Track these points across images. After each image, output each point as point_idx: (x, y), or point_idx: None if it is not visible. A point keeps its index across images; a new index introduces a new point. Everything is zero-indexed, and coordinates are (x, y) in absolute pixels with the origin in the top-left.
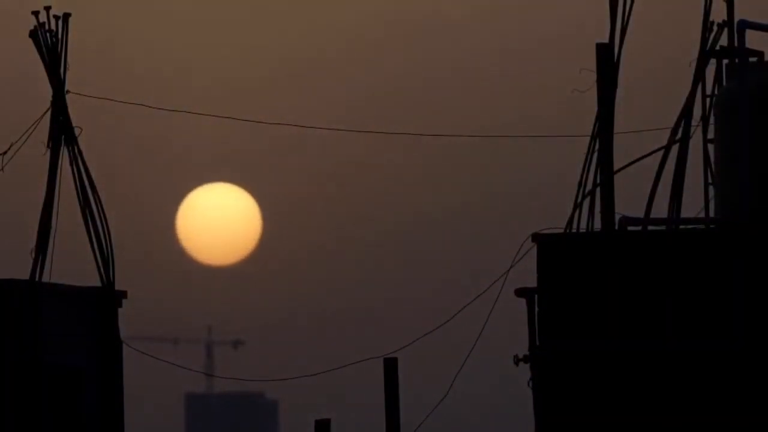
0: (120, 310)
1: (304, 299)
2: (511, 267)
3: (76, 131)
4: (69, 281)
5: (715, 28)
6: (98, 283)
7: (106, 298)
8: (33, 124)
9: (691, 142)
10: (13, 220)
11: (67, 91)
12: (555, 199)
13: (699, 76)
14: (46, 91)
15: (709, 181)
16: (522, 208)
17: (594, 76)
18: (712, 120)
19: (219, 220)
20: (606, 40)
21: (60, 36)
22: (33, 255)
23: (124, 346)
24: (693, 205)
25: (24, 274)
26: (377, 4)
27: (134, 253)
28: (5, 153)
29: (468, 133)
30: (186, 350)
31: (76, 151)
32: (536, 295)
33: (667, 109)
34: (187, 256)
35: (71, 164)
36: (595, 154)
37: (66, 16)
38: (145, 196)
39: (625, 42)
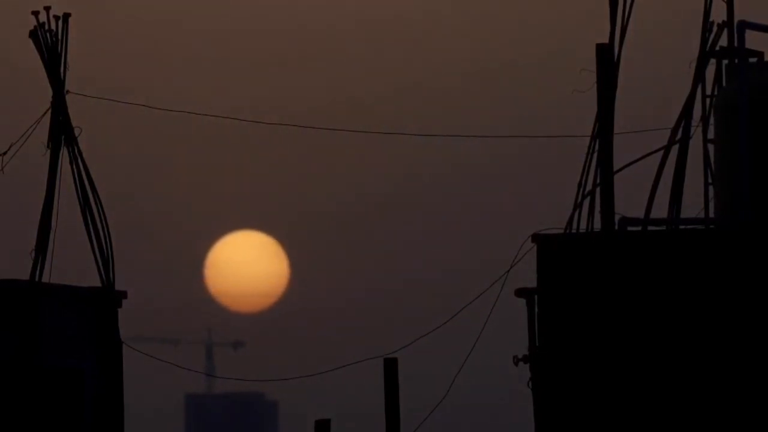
0: (120, 310)
1: (306, 301)
2: (511, 267)
3: (76, 131)
4: (69, 281)
5: (715, 28)
6: (98, 284)
7: (106, 299)
8: (33, 125)
9: (691, 143)
10: (13, 220)
11: (67, 91)
12: (555, 200)
13: (699, 77)
14: (46, 91)
15: (709, 181)
16: (522, 208)
17: (594, 77)
18: (712, 120)
19: (247, 268)
20: (606, 40)
21: (60, 36)
22: (33, 255)
23: (124, 346)
24: (693, 206)
25: (24, 274)
26: (364, 6)
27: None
28: (5, 153)
29: (468, 133)
30: (186, 351)
31: (76, 151)
32: (536, 296)
33: (667, 109)
34: (216, 304)
35: (71, 164)
36: (595, 155)
37: (66, 16)
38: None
39: (625, 42)
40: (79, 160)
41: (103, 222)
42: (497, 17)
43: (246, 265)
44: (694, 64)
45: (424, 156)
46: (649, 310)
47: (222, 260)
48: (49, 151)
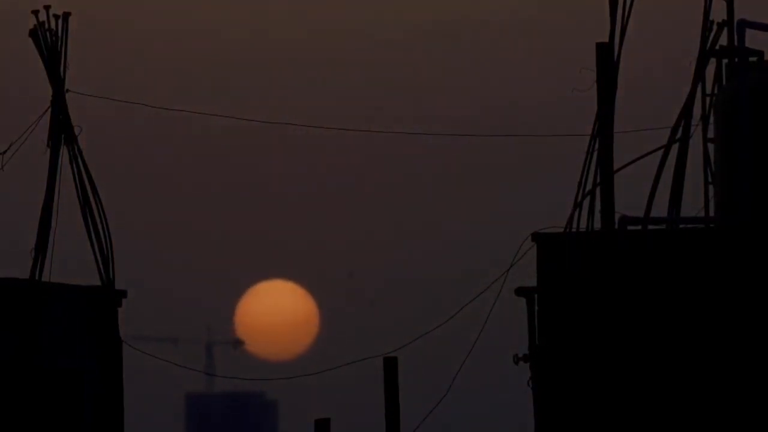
0: (120, 309)
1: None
2: (511, 266)
3: (76, 130)
4: (69, 280)
5: (714, 27)
6: (98, 282)
7: (105, 298)
8: (33, 123)
9: (691, 142)
10: (13, 220)
11: (67, 90)
12: (555, 199)
13: (699, 76)
14: (46, 90)
15: (709, 180)
16: (522, 207)
17: (594, 76)
18: (712, 119)
19: (277, 317)
20: (606, 39)
21: (60, 35)
22: (33, 254)
23: (124, 345)
24: (693, 205)
25: (24, 273)
26: (377, 6)
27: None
28: (5, 152)
29: (468, 132)
30: (186, 350)
31: (75, 150)
32: (536, 295)
33: (667, 108)
34: (245, 351)
35: (71, 163)
36: (595, 154)
37: (66, 15)
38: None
39: (625, 41)
40: (79, 159)
41: (103, 221)
42: (497, 16)
43: (276, 315)
44: (694, 63)
45: (423, 155)
46: (649, 309)
47: (252, 310)
48: (49, 149)
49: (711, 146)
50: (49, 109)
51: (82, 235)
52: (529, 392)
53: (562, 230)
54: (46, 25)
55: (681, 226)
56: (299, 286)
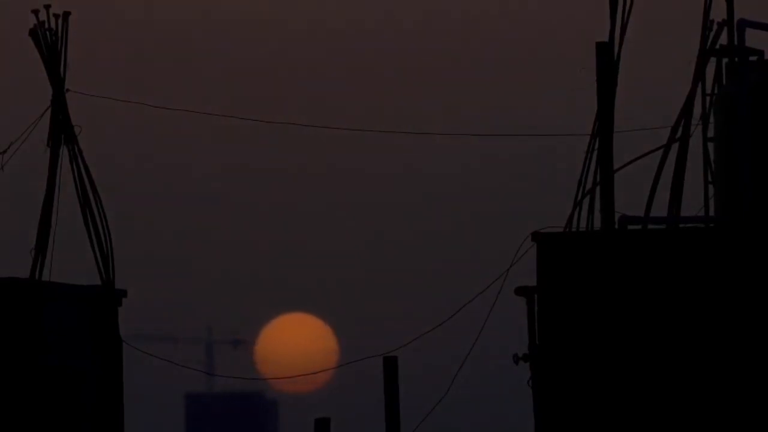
0: (120, 308)
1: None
2: (510, 266)
3: (76, 130)
4: (69, 280)
5: (715, 26)
6: (98, 282)
7: (106, 297)
8: (33, 123)
9: (691, 141)
10: (13, 219)
11: (67, 90)
12: (555, 199)
13: (699, 75)
14: (46, 90)
15: (709, 180)
16: (522, 207)
17: (594, 75)
18: (712, 119)
19: (296, 349)
20: (606, 39)
21: (60, 34)
22: (33, 254)
23: (124, 345)
24: (693, 204)
25: (24, 272)
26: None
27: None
28: (5, 152)
29: (468, 132)
30: (186, 349)
31: (75, 149)
32: (536, 294)
33: (667, 107)
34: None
35: (71, 163)
36: (595, 153)
37: (66, 15)
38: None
39: (624, 41)
40: (79, 159)
41: (103, 220)
42: (496, 15)
43: (295, 346)
44: (694, 63)
45: (423, 154)
46: (650, 309)
47: (271, 342)
48: (48, 149)
49: (711, 145)
50: (49, 109)
51: (82, 235)
52: (529, 392)
53: (562, 230)
54: (46, 25)
55: (681, 225)
56: (312, 314)
